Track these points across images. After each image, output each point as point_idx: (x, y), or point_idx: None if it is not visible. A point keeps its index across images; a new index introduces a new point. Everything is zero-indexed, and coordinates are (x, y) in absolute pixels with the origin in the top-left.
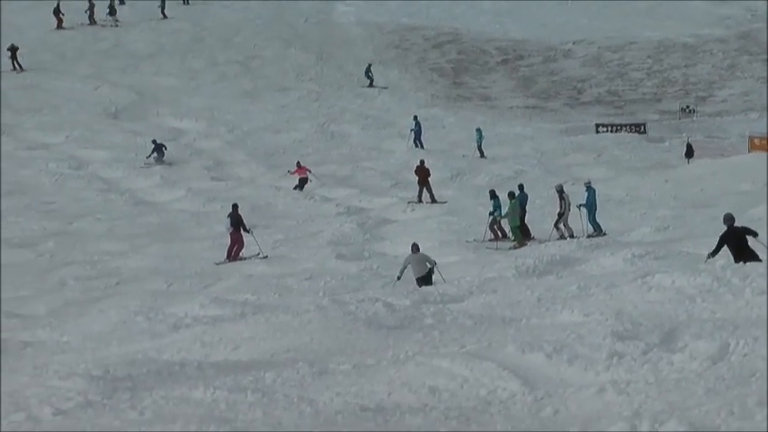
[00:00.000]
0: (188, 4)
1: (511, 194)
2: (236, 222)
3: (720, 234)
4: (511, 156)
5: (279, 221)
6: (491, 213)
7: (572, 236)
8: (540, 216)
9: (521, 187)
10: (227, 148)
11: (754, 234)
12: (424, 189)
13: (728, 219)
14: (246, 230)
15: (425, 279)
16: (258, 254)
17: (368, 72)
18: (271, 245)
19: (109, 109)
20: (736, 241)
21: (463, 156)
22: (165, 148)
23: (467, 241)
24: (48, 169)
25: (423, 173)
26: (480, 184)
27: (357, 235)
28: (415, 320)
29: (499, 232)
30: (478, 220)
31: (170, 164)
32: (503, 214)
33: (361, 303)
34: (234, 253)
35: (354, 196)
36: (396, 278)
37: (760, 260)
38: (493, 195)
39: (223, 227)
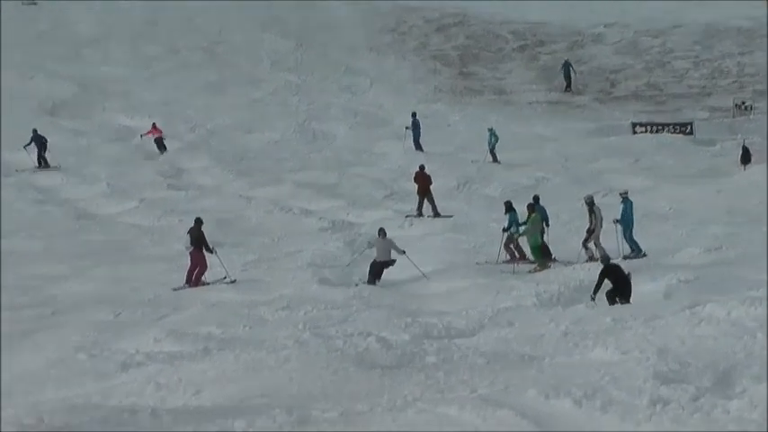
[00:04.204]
0: None
1: (530, 207)
2: (198, 240)
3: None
4: (530, 161)
5: (250, 239)
6: (506, 230)
7: (605, 257)
8: (565, 233)
9: (536, 199)
10: (187, 151)
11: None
12: (425, 200)
13: (605, 258)
14: (210, 250)
15: (382, 266)
16: (224, 278)
17: (567, 69)
18: (240, 267)
19: (45, 104)
20: (615, 277)
21: (472, 161)
22: (46, 142)
23: (477, 263)
24: None
25: (423, 181)
26: (493, 195)
27: (344, 255)
28: (415, 359)
29: (516, 252)
30: (491, 237)
31: (57, 167)
32: (521, 231)
33: (349, 338)
34: (195, 277)
35: (341, 209)
36: (367, 246)
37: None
38: (509, 208)
39: (182, 245)
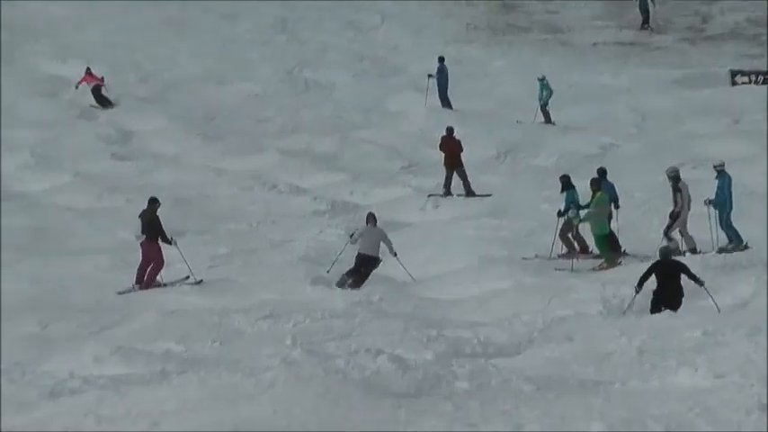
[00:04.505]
0: None
1: (595, 183)
2: (152, 227)
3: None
4: (594, 121)
5: (221, 225)
6: (562, 213)
7: (694, 250)
8: (640, 218)
9: (602, 173)
10: (138, 109)
11: (697, 280)
12: (455, 174)
13: (665, 251)
14: (168, 240)
15: (368, 263)
16: (187, 277)
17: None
18: (208, 262)
19: None
20: (662, 276)
21: (518, 121)
22: None
23: (524, 258)
24: None
25: (452, 148)
26: (545, 166)
27: (347, 247)
28: (440, 384)
29: (576, 244)
30: (542, 223)
31: None
32: (582, 215)
33: (354, 357)
34: (148, 275)
35: (342, 185)
36: (350, 240)
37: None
38: (566, 185)
39: (131, 234)
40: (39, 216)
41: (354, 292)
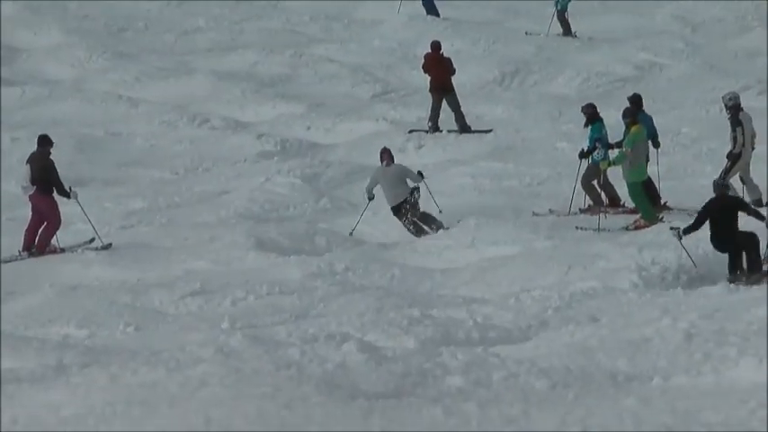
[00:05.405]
0: None
1: (630, 114)
2: (45, 175)
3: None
4: (630, 32)
5: (135, 172)
6: (586, 155)
7: (759, 201)
8: (689, 161)
9: (637, 101)
10: (26, 19)
11: (758, 215)
12: (444, 103)
13: (718, 186)
14: (66, 192)
15: (406, 209)
16: (92, 240)
17: None
18: (119, 221)
19: None
20: (719, 216)
21: (527, 33)
22: None
23: (535, 214)
24: None
25: (440, 69)
26: (563, 93)
27: (302, 200)
28: (426, 380)
29: (603, 194)
30: (559, 168)
31: None
32: (612, 157)
33: (311, 345)
34: (40, 239)
35: (296, 119)
36: (367, 199)
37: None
38: (591, 117)
39: (17, 185)
40: None
41: (312, 259)
